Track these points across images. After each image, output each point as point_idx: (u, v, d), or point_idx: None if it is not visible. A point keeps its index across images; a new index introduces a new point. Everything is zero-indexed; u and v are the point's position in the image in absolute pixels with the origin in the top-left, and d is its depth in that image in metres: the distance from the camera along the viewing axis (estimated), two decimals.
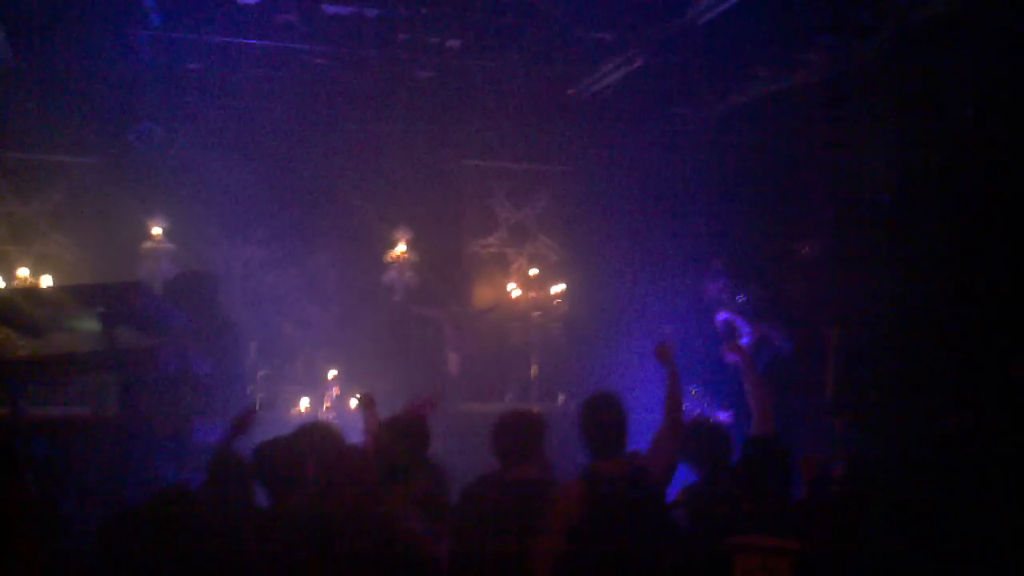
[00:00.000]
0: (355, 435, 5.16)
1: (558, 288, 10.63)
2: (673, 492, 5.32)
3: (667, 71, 9.48)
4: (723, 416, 8.27)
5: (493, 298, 11.08)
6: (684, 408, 4.87)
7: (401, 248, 10.79)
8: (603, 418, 4.51)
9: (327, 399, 9.31)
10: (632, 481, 4.37)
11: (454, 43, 9.24)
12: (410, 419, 4.72)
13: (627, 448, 4.54)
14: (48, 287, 8.86)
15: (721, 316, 8.66)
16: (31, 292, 7.38)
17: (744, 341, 8.33)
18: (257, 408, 5.43)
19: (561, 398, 9.65)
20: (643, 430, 4.80)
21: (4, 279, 9.20)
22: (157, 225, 10.18)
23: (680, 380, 4.87)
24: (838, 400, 7.59)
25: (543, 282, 10.84)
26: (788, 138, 9.32)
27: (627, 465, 4.45)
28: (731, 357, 6.12)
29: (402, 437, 4.52)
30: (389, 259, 10.80)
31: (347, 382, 9.30)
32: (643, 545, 4.26)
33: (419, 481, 4.53)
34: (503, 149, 11.27)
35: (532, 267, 11.12)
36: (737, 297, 8.64)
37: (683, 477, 5.47)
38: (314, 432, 4.75)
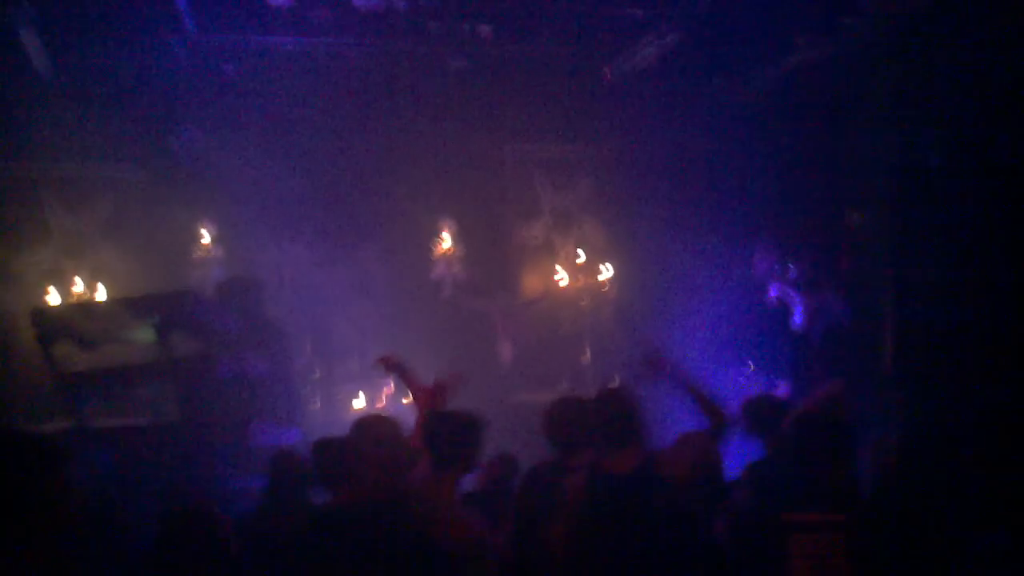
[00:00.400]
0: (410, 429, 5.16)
1: (606, 272, 10.57)
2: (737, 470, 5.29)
3: (702, 45, 9.36)
4: (781, 390, 8.22)
5: (542, 287, 11.04)
6: (719, 405, 4.76)
7: (447, 242, 10.79)
8: (611, 413, 4.49)
9: (382, 395, 9.36)
10: (639, 477, 4.31)
11: (485, 29, 9.19)
12: (461, 411, 4.72)
13: (643, 443, 4.48)
14: (102, 300, 8.96)
15: (773, 290, 8.59)
16: (86, 306, 7.49)
17: (798, 314, 8.26)
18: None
19: (616, 382, 9.60)
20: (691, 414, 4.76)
21: (60, 293, 9.31)
22: (206, 231, 10.25)
23: (686, 387, 4.78)
24: (896, 371, 7.49)
25: (591, 267, 10.78)
26: (830, 107, 9.19)
27: (637, 460, 4.38)
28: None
29: (453, 427, 4.52)
30: (436, 254, 10.80)
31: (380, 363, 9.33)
32: (648, 541, 4.20)
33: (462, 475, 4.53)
34: (542, 133, 11.19)
35: (579, 252, 11.06)
36: (789, 270, 8.55)
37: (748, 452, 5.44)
38: (370, 426, 4.77)
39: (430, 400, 5.11)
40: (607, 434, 4.45)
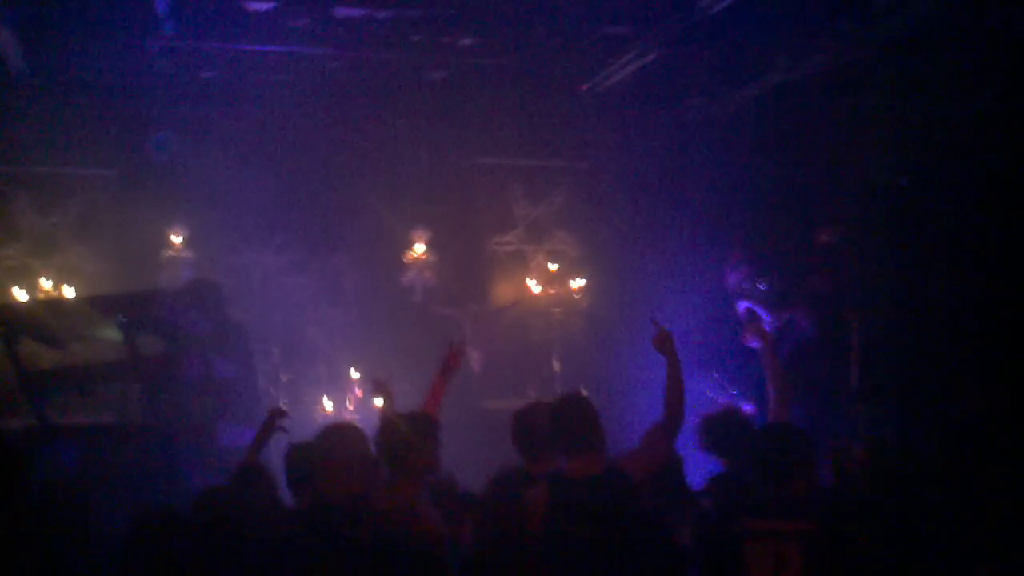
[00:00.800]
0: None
1: (578, 283, 10.60)
2: (700, 482, 5.32)
3: (681, 63, 9.42)
4: (747, 407, 8.24)
5: (513, 295, 11.06)
6: (685, 399, 4.80)
7: (420, 248, 10.79)
8: (571, 418, 4.49)
9: (350, 400, 9.34)
10: (601, 482, 4.32)
11: (466, 42, 9.21)
12: (419, 414, 4.75)
13: (603, 448, 4.48)
14: (69, 298, 8.88)
15: (743, 305, 8.63)
16: (53, 304, 7.44)
17: (766, 329, 8.30)
18: (282, 413, 5.45)
19: (584, 393, 9.61)
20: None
21: (28, 291, 9.24)
22: (176, 234, 10.21)
23: (681, 369, 4.82)
24: (862, 387, 7.55)
25: (563, 278, 10.81)
26: (806, 126, 9.27)
27: (599, 466, 4.39)
28: (753, 343, 6.08)
29: (412, 431, 4.53)
30: (408, 260, 10.80)
31: (369, 383, 9.33)
32: (614, 547, 4.20)
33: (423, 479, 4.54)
34: (518, 147, 11.25)
35: (551, 264, 11.09)
36: (759, 286, 8.59)
37: (710, 467, 5.47)
38: (337, 433, 4.78)
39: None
40: (567, 440, 4.45)
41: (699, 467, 5.46)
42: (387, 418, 4.65)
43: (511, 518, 4.40)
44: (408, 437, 4.44)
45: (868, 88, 8.46)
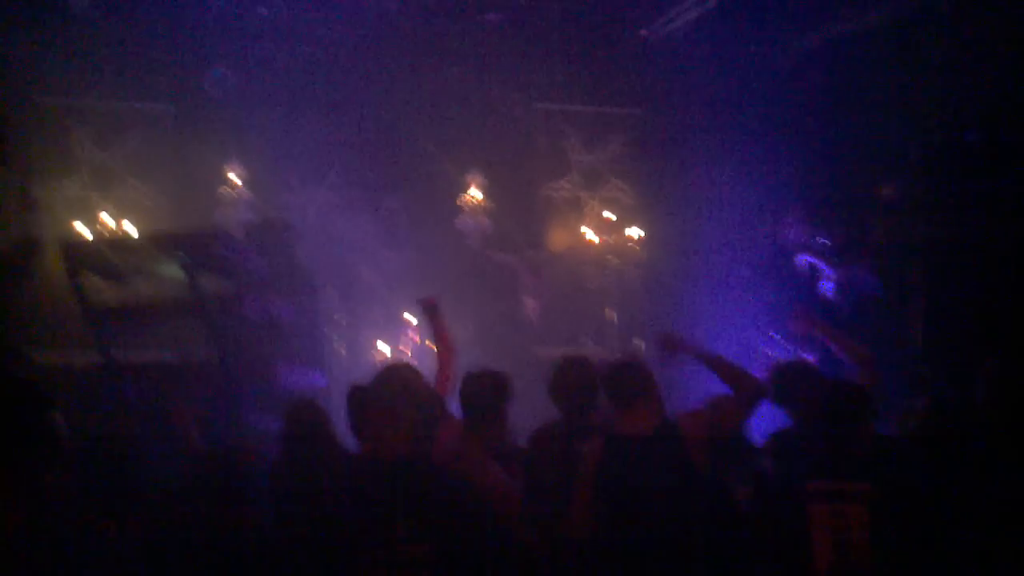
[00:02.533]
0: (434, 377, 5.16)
1: (633, 232, 10.52)
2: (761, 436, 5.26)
3: (742, 11, 9.27)
4: (808, 357, 8.18)
5: (568, 242, 11.02)
6: (747, 375, 4.69)
7: (474, 192, 10.75)
8: (623, 374, 4.44)
9: (405, 344, 9.38)
10: (656, 439, 4.26)
11: None
12: (494, 372, 4.72)
13: (658, 404, 4.41)
14: (131, 235, 8.96)
15: (802, 259, 8.54)
16: (115, 240, 7.50)
17: (827, 284, 8.22)
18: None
19: (638, 343, 9.58)
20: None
21: (87, 223, 9.33)
22: (232, 170, 10.24)
23: (718, 357, 4.70)
24: (925, 345, 7.46)
25: (618, 226, 10.73)
26: (869, 77, 9.10)
27: (653, 422, 4.33)
28: (799, 327, 5.93)
29: (486, 389, 4.53)
30: (462, 204, 10.76)
31: (424, 326, 9.35)
32: (667, 505, 4.15)
33: (494, 436, 4.54)
34: (575, 92, 11.14)
35: (605, 211, 11.01)
36: (819, 240, 8.49)
37: (770, 422, 5.40)
38: (395, 374, 4.77)
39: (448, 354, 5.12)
40: (620, 394, 4.42)
41: (760, 421, 5.40)
42: (474, 372, 4.65)
43: (563, 473, 4.39)
44: (489, 396, 4.46)
45: (933, 41, 8.27)
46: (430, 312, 5.44)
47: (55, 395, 3.06)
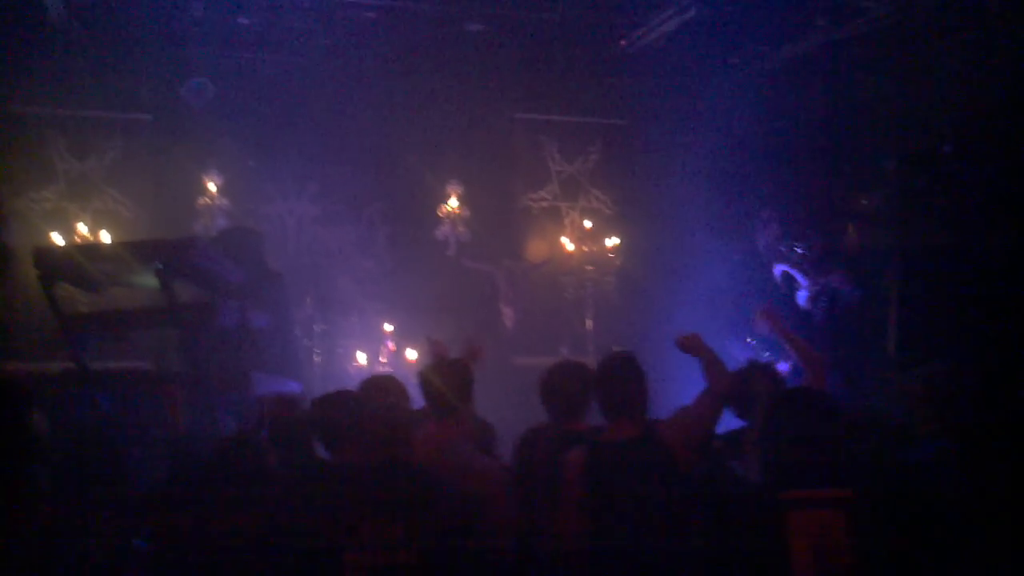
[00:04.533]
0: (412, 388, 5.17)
1: (612, 242, 10.55)
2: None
3: (720, 22, 9.31)
4: (781, 367, 8.20)
5: (546, 252, 11.03)
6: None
7: (453, 202, 10.76)
8: (615, 379, 4.40)
9: (383, 353, 9.36)
10: (640, 443, 4.24)
11: None
12: (456, 363, 4.74)
13: (645, 411, 4.39)
14: (106, 243, 8.92)
15: (779, 269, 8.58)
16: (90, 248, 7.45)
17: (803, 294, 8.25)
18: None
19: (616, 352, 9.59)
20: (697, 383, 4.71)
21: (63, 235, 9.29)
22: (211, 180, 10.22)
23: (719, 363, 4.70)
24: (900, 354, 7.49)
25: (597, 236, 10.76)
26: (846, 88, 9.16)
27: (638, 428, 4.31)
28: (761, 327, 5.92)
29: (448, 379, 4.56)
30: (441, 213, 10.78)
31: (402, 336, 9.35)
32: (653, 511, 4.14)
33: (467, 423, 4.56)
34: (554, 102, 11.19)
35: (585, 221, 11.03)
36: (796, 249, 8.53)
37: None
38: (379, 386, 4.79)
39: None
40: (611, 400, 4.41)
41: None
42: (431, 363, 4.67)
43: (548, 479, 4.38)
44: (451, 388, 4.52)
45: (910, 52, 8.33)
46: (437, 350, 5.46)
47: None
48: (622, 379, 4.41)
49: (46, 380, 7.27)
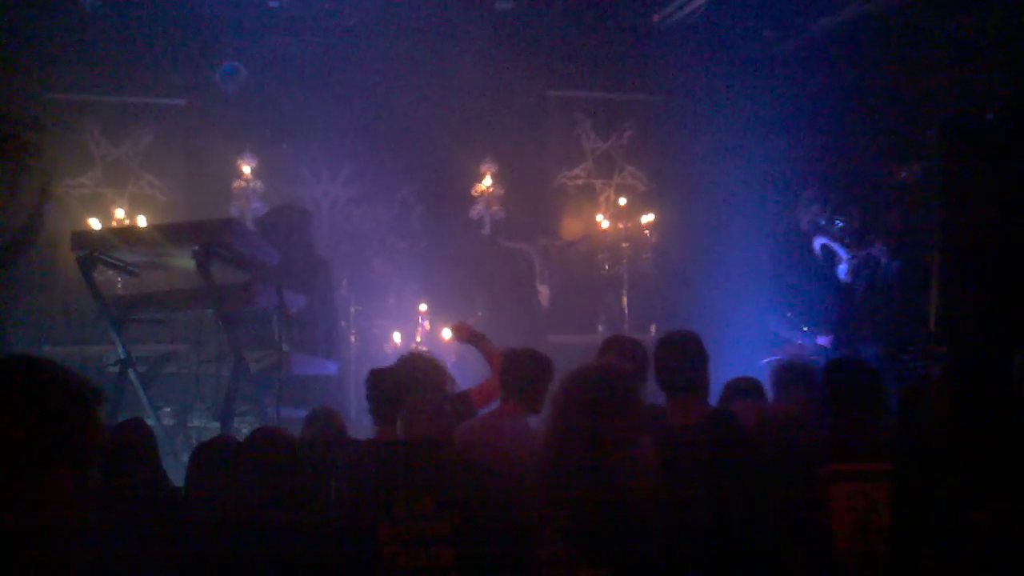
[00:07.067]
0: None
1: (647, 219, 10.48)
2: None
3: None
4: (822, 341, 8.15)
5: (581, 230, 10.99)
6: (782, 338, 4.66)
7: (487, 182, 10.72)
8: (676, 357, 4.30)
9: (418, 333, 9.37)
10: (708, 428, 4.15)
11: None
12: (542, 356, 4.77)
13: (706, 392, 4.35)
14: (143, 227, 8.99)
15: (819, 242, 8.49)
16: (127, 232, 7.49)
17: (843, 267, 8.17)
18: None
19: (653, 329, 9.54)
20: (735, 362, 4.68)
21: (101, 221, 9.36)
22: (246, 164, 10.26)
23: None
24: (939, 328, 7.37)
25: (632, 213, 10.69)
26: (884, 59, 9.02)
27: (701, 412, 4.23)
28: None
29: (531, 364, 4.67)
30: (475, 193, 10.75)
31: (437, 316, 9.36)
32: (726, 498, 4.02)
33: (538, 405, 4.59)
34: (587, 79, 11.11)
35: (620, 198, 10.96)
36: (835, 223, 8.44)
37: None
38: (419, 362, 4.81)
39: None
40: (670, 379, 4.32)
41: None
42: (515, 351, 4.72)
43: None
44: (531, 370, 4.62)
45: (951, 21, 8.19)
46: (467, 338, 5.49)
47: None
48: (692, 355, 4.31)
49: (87, 365, 7.38)
